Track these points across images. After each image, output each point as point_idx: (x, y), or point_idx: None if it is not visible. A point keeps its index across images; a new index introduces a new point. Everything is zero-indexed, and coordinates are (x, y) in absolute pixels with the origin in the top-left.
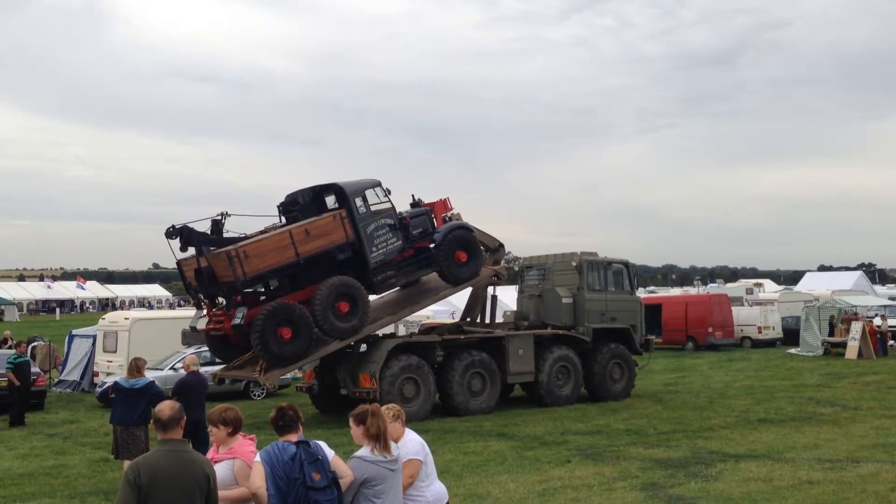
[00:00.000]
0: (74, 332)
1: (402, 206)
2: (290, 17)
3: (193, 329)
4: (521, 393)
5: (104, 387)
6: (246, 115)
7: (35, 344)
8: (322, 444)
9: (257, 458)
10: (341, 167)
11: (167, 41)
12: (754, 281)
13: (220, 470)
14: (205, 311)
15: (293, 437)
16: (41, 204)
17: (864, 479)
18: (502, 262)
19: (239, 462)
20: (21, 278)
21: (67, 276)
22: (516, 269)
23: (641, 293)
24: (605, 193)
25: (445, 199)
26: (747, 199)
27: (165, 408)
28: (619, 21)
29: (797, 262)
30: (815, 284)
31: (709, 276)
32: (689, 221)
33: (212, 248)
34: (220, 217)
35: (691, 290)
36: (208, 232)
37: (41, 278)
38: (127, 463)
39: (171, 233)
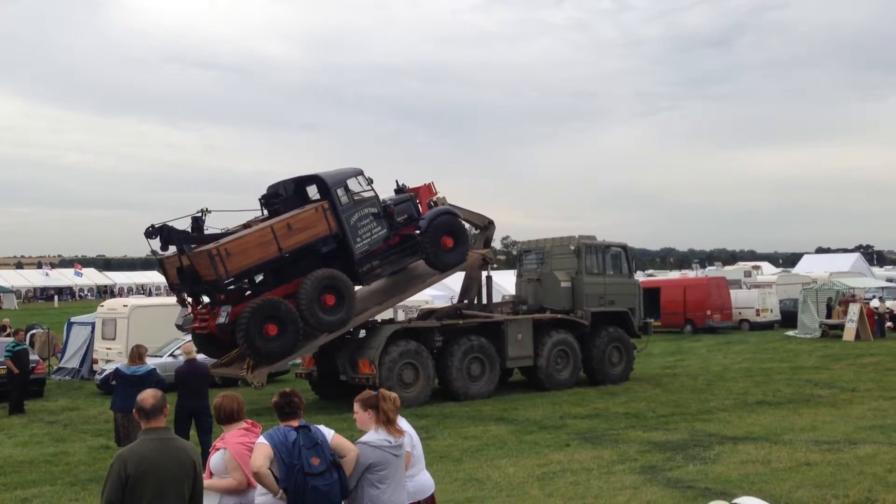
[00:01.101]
0: (73, 319)
1: (388, 192)
2: (286, 0)
3: (179, 327)
4: (520, 377)
5: (104, 373)
6: (244, 100)
7: (34, 331)
8: (321, 427)
9: (261, 439)
10: (340, 152)
11: (164, 26)
12: (752, 263)
13: (214, 459)
14: (189, 309)
15: (294, 423)
16: (39, 191)
17: (862, 461)
18: (493, 241)
19: (228, 453)
20: (19, 265)
21: (65, 263)
22: (514, 253)
23: (640, 276)
24: (603, 177)
25: (430, 184)
26: (746, 181)
27: (148, 396)
28: (616, 3)
29: (795, 244)
30: (813, 267)
31: (707, 258)
32: (688, 204)
33: (193, 246)
34: (200, 214)
35: (690, 274)
36: (189, 230)
37: (39, 266)
38: None
39: (151, 232)
